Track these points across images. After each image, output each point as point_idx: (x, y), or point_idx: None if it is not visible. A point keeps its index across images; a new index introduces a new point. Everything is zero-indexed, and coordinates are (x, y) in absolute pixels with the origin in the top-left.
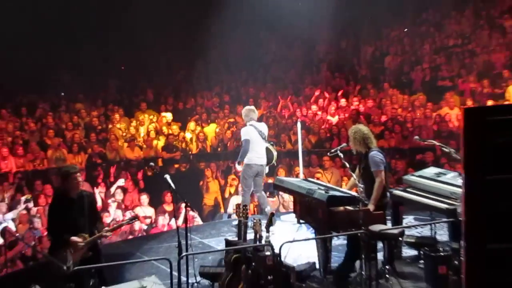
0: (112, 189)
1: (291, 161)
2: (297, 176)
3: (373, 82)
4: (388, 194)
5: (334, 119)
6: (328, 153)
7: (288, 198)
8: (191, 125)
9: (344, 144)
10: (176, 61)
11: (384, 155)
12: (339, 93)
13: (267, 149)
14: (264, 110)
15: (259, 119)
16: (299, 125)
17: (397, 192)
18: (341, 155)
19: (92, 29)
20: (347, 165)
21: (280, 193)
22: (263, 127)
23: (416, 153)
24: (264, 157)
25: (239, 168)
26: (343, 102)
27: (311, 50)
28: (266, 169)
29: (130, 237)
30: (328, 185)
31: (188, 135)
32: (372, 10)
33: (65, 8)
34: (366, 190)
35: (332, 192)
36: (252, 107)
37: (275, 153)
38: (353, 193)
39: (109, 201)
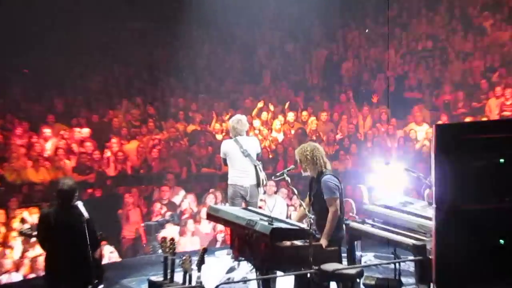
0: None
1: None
2: None
3: (327, 92)
4: (343, 226)
5: (280, 136)
6: (273, 177)
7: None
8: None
9: (292, 166)
10: (91, 65)
11: (339, 180)
12: (286, 106)
13: (255, 169)
14: (199, 126)
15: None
16: None
17: (355, 224)
18: (288, 179)
19: None
20: (295, 191)
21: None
22: (250, 142)
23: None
24: (248, 176)
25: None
26: (290, 116)
27: (252, 54)
28: (261, 191)
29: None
30: (272, 215)
31: (107, 153)
32: (325, 6)
33: None
34: (318, 222)
35: (277, 224)
36: (240, 118)
37: (262, 175)
38: (302, 225)
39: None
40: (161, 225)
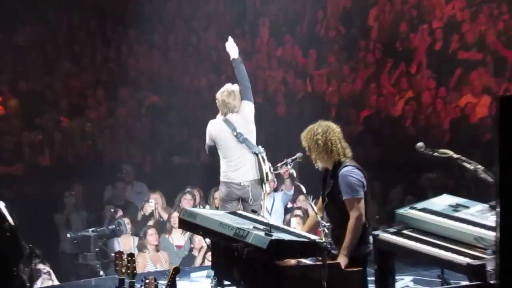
0: None
1: (210, 180)
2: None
3: (347, 49)
4: (370, 238)
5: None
6: (271, 169)
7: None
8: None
9: (298, 154)
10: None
11: (365, 174)
12: None
13: (259, 160)
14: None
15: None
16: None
17: (387, 235)
18: (294, 172)
19: None
20: (303, 189)
21: None
22: (242, 120)
23: (418, 171)
24: (246, 170)
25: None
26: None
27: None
28: (265, 190)
29: None
30: (271, 222)
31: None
32: None
33: None
34: (335, 232)
35: (277, 235)
36: (232, 88)
37: (265, 167)
38: (313, 236)
39: None
40: (101, 237)
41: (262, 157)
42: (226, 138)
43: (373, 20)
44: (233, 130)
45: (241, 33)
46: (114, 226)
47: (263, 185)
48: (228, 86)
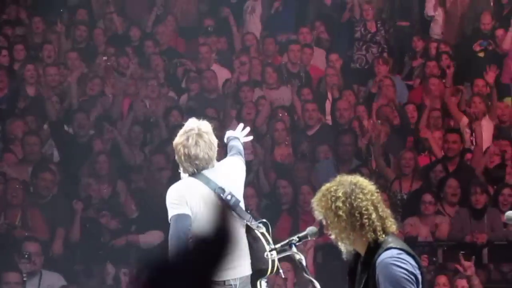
0: None
1: None
2: None
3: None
4: None
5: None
6: (268, 250)
7: None
8: None
9: (312, 229)
10: None
11: (419, 261)
12: None
13: (252, 239)
14: None
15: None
16: None
17: None
18: (302, 258)
19: None
20: (317, 285)
21: None
22: (225, 172)
23: None
24: (241, 257)
25: None
26: None
27: None
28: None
29: None
30: None
31: None
32: None
33: None
34: None
35: None
36: (198, 125)
37: (267, 248)
38: None
39: None
40: None
41: (262, 232)
42: (211, 206)
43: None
44: (221, 192)
45: None
46: None
47: (261, 282)
48: (192, 124)
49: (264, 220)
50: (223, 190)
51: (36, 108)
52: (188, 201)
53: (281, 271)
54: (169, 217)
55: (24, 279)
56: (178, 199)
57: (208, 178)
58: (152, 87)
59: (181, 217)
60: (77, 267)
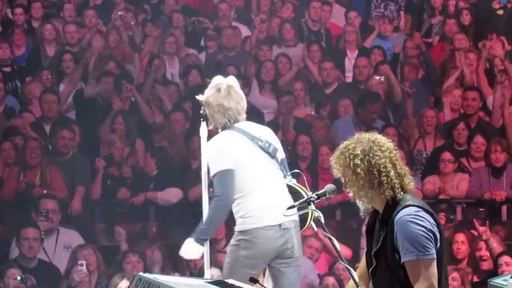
0: None
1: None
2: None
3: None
4: None
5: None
6: (286, 208)
7: None
8: None
9: (329, 187)
10: None
11: (437, 218)
12: None
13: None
14: None
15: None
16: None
17: None
18: (321, 216)
19: None
20: (336, 245)
21: None
22: (265, 131)
23: None
24: (284, 203)
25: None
26: None
27: None
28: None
29: None
30: None
31: None
32: None
33: None
34: None
35: None
36: (229, 82)
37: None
38: None
39: None
40: None
41: (299, 186)
42: (250, 157)
43: None
44: (258, 141)
45: None
46: None
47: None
48: (218, 80)
49: (297, 170)
50: (260, 139)
51: (55, 67)
52: (230, 154)
53: (312, 223)
54: (212, 173)
55: (42, 236)
56: (219, 153)
57: (243, 129)
58: (170, 45)
59: (226, 172)
60: (96, 226)
